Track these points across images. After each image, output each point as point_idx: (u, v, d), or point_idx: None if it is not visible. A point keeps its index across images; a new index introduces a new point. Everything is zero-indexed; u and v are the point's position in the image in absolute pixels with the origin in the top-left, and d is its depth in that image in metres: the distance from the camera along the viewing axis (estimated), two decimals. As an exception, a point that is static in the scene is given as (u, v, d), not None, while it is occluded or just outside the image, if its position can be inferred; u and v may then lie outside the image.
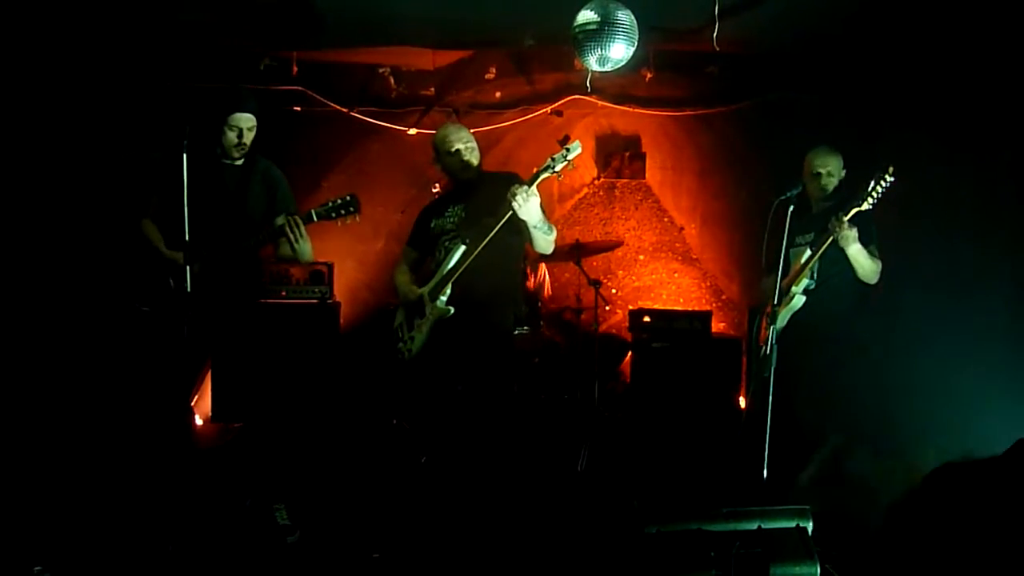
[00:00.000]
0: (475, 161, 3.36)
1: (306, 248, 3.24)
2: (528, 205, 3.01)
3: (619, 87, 5.47)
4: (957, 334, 3.83)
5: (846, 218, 3.41)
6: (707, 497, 3.62)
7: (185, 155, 2.96)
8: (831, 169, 3.71)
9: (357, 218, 3.25)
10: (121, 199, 4.10)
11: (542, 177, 3.05)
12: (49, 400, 4.12)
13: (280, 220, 3.25)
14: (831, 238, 3.47)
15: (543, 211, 3.13)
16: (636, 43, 3.38)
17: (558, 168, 3.04)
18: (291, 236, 3.16)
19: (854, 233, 3.43)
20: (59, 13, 4.14)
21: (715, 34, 3.36)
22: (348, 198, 3.23)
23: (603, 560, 2.79)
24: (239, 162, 3.34)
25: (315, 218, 3.21)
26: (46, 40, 4.41)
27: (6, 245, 4.44)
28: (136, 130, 4.76)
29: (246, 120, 3.23)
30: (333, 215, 3.21)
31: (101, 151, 4.78)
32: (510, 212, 3.03)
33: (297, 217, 3.19)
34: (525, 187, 3.01)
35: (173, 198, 3.07)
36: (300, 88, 5.30)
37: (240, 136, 3.24)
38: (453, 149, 3.32)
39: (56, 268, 4.56)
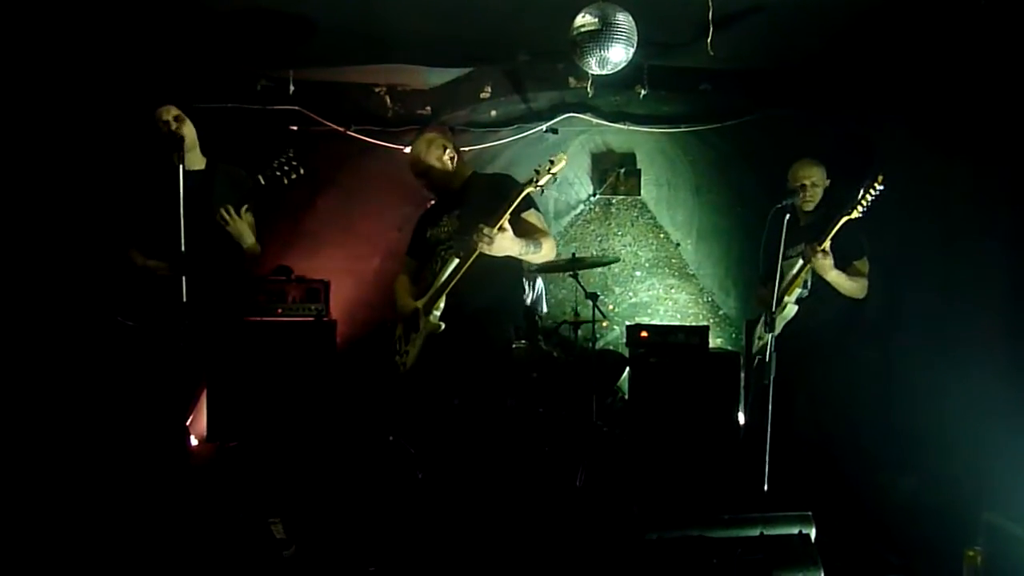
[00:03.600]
0: (452, 167, 3.30)
1: (242, 229, 3.29)
2: (495, 246, 2.93)
3: (614, 105, 5.52)
4: (953, 341, 3.84)
5: (827, 240, 3.41)
6: (708, 505, 3.58)
7: (181, 170, 3.02)
8: (815, 179, 3.74)
9: (301, 171, 3.29)
10: (103, 217, 4.10)
11: (513, 206, 2.92)
12: (39, 420, 4.08)
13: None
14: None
15: (525, 238, 3.04)
16: (635, 45, 3.37)
17: (542, 182, 2.92)
18: (224, 224, 3.22)
19: (829, 261, 3.44)
20: (54, 33, 4.18)
21: (709, 39, 3.37)
22: (290, 154, 3.29)
23: (604, 568, 2.75)
24: (199, 167, 3.36)
25: (263, 182, 3.25)
26: (40, 60, 4.43)
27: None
28: (125, 152, 4.75)
29: (166, 111, 3.27)
30: (278, 173, 3.25)
31: (88, 169, 4.75)
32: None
33: (228, 205, 3.24)
34: (488, 229, 2.90)
35: (150, 215, 3.20)
36: (297, 108, 5.34)
37: (167, 126, 3.24)
38: (427, 167, 3.27)
39: (45, 283, 4.53)
